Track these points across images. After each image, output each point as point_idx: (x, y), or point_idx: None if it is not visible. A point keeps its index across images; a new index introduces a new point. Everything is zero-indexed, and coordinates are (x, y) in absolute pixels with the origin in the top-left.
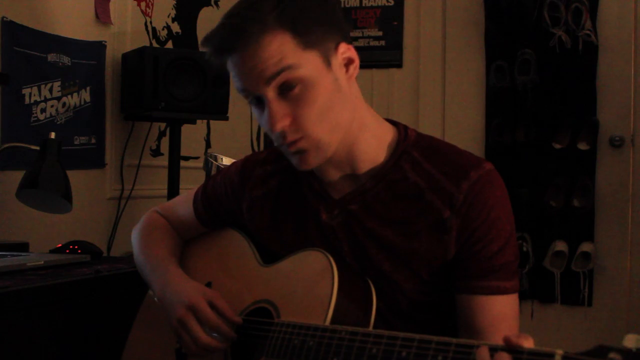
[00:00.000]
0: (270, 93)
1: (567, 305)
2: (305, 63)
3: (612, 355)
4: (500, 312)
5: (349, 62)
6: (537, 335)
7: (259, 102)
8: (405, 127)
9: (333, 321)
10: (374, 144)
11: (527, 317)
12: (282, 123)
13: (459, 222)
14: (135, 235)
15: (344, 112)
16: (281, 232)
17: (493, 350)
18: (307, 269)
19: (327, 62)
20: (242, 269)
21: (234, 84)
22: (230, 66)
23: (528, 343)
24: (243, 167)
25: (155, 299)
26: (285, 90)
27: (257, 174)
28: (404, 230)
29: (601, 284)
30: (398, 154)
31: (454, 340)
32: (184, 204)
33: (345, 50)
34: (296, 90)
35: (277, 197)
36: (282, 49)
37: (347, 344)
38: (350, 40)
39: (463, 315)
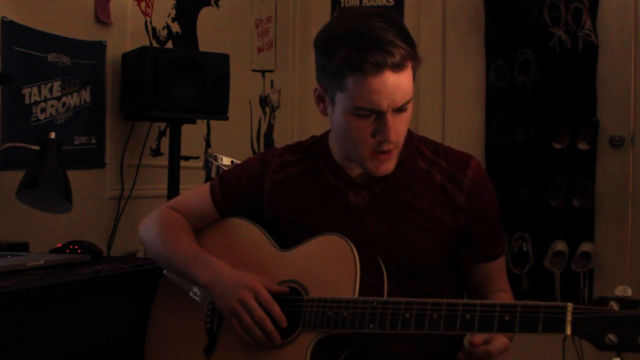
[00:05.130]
0: (391, 112)
1: None
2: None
3: (611, 303)
4: (495, 269)
5: None
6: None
7: (370, 116)
8: (410, 130)
9: (360, 294)
10: None
11: None
12: (396, 135)
13: (466, 200)
14: (151, 231)
15: None
16: (307, 212)
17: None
18: (329, 251)
19: None
20: (260, 254)
21: (363, 100)
22: (369, 82)
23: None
24: (263, 157)
25: (180, 289)
26: (399, 111)
27: (276, 162)
28: (422, 207)
29: (601, 284)
30: (410, 148)
31: (479, 301)
32: (198, 195)
33: None
34: (405, 111)
35: (299, 183)
36: (410, 81)
37: (381, 311)
38: None
39: (469, 275)
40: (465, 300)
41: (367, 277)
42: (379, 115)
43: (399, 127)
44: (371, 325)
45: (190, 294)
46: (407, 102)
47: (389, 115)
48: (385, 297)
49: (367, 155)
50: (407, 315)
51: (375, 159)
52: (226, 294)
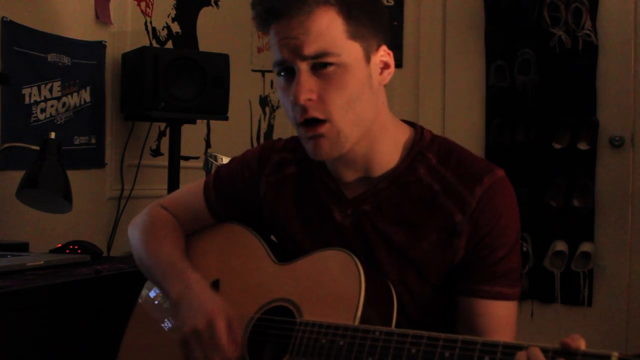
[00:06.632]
0: (304, 65)
1: (567, 305)
2: (347, 52)
3: None
4: (500, 317)
5: (384, 67)
6: (537, 335)
7: (289, 74)
8: (422, 128)
9: (362, 321)
10: (390, 147)
11: (527, 317)
12: (308, 95)
13: (469, 226)
14: (137, 232)
15: (369, 111)
16: (294, 226)
17: (545, 351)
18: (330, 268)
19: (367, 58)
20: (255, 266)
21: (273, 54)
22: (272, 33)
23: (582, 344)
24: (261, 152)
25: (153, 302)
26: (319, 67)
27: (274, 160)
28: (414, 233)
29: (601, 284)
30: (413, 155)
31: (502, 341)
32: (192, 193)
33: (385, 54)
34: (330, 69)
35: (293, 187)
36: (330, 30)
37: (383, 344)
38: (390, 47)
39: (463, 317)
40: (485, 339)
41: (374, 301)
42: (292, 72)
43: (323, 92)
44: (370, 359)
45: None
46: (324, 54)
47: (303, 69)
48: (390, 328)
49: (300, 134)
50: (414, 350)
51: (307, 139)
52: (185, 319)
